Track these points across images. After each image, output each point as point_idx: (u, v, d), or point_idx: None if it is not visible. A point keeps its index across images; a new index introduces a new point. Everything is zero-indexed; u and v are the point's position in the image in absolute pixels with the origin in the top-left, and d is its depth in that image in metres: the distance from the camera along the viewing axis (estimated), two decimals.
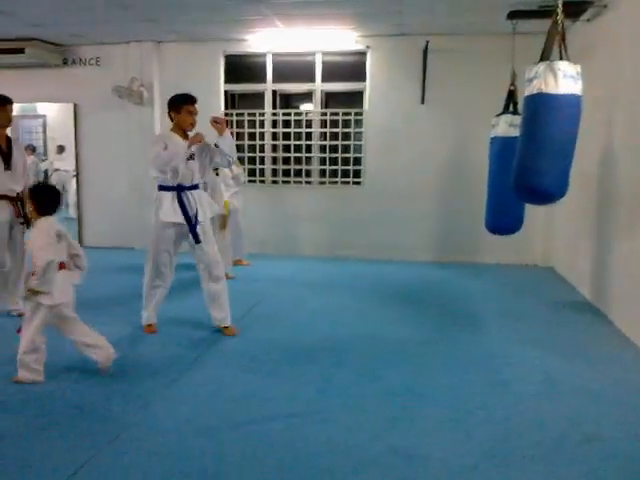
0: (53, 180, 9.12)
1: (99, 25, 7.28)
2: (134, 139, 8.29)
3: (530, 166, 4.15)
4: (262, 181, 8.37)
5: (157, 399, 3.43)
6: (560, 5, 3.93)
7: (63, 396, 3.44)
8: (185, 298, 5.65)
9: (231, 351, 4.29)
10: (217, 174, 6.60)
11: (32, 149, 9.18)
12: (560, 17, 3.96)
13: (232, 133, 8.02)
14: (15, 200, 4.94)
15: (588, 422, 3.21)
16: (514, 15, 5.70)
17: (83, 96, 8.50)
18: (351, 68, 8.12)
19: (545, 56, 4.02)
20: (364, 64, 7.96)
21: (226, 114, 8.32)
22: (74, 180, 8.93)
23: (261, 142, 8.38)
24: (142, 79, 8.11)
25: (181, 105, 4.41)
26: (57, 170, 9.40)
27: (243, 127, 8.35)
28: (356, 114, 8.09)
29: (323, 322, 5.06)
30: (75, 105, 8.59)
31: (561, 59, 3.99)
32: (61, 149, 9.32)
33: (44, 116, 9.26)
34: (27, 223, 4.88)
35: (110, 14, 6.66)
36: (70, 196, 9.16)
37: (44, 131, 9.35)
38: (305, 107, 8.48)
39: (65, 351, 4.04)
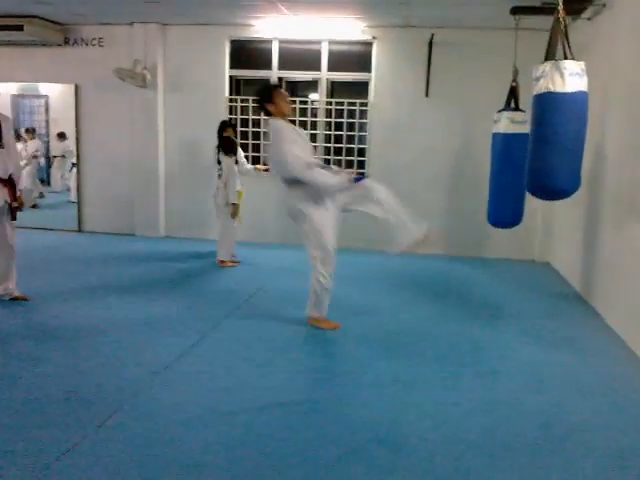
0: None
1: (102, 5, 7.20)
2: (137, 123, 8.28)
3: (543, 164, 4.20)
4: (266, 170, 8.34)
5: (147, 387, 3.41)
6: (561, 3, 3.92)
7: (53, 382, 3.43)
8: (180, 288, 5.68)
9: (227, 340, 4.29)
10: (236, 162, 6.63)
11: (32, 131, 9.09)
12: (562, 15, 3.94)
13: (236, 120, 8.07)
14: (7, 183, 4.74)
15: (572, 414, 3.26)
16: (517, 10, 5.68)
17: (85, 77, 8.40)
18: (357, 58, 8.08)
19: (550, 54, 4.03)
20: (370, 55, 7.93)
21: (230, 100, 8.31)
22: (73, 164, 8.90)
23: (265, 130, 8.35)
24: (146, 62, 8.04)
25: (272, 94, 4.40)
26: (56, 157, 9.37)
27: (247, 114, 8.31)
28: (361, 105, 8.06)
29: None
30: (76, 86, 8.47)
31: (565, 57, 3.98)
32: (62, 136, 9.23)
33: (46, 96, 9.12)
34: (18, 208, 4.79)
35: None
36: (71, 180, 9.12)
37: (46, 112, 9.22)
38: (311, 96, 8.45)
39: (56, 336, 4.09)
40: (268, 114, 4.43)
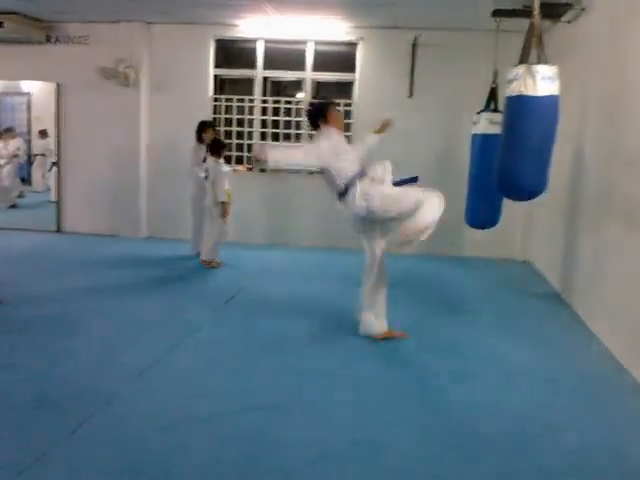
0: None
1: (85, 2, 7.14)
2: (120, 122, 8.21)
3: (512, 165, 4.28)
4: (249, 169, 8.31)
5: (122, 393, 3.36)
6: (537, 7, 3.95)
7: (24, 389, 3.36)
8: (159, 291, 5.65)
9: (204, 343, 4.25)
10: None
11: (11, 130, 8.96)
12: (537, 19, 3.97)
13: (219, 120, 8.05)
14: None
15: (547, 413, 3.29)
16: (498, 13, 5.71)
17: (67, 75, 8.29)
18: (342, 58, 8.10)
19: (524, 58, 4.07)
20: (355, 55, 7.94)
21: (215, 99, 8.29)
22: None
23: (250, 129, 8.34)
24: (130, 60, 7.98)
25: (327, 113, 4.37)
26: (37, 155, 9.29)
27: (232, 113, 8.30)
28: (346, 105, 8.06)
29: (300, 312, 5.03)
30: (58, 85, 8.38)
31: (539, 61, 4.02)
32: (43, 134, 9.14)
33: (29, 94, 9.01)
34: None
35: None
36: (51, 179, 9.02)
37: (28, 110, 9.10)
38: (296, 96, 8.45)
39: (30, 340, 4.04)
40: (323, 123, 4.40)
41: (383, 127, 4.71)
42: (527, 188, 4.33)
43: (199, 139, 6.98)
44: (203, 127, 7.00)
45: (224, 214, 6.51)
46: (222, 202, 6.46)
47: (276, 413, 3.17)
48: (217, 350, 4.13)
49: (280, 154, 4.19)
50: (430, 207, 3.87)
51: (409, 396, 3.46)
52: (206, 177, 6.60)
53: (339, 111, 4.50)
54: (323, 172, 4.30)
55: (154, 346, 4.11)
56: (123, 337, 4.31)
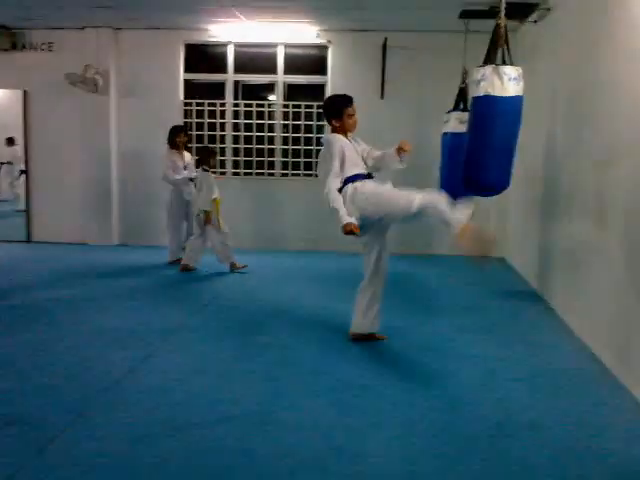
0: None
1: (51, 9, 7.06)
2: (89, 128, 8.13)
3: (477, 162, 4.38)
4: (223, 173, 8.27)
5: (97, 404, 3.27)
6: (502, 9, 4.00)
7: None
8: (131, 299, 5.59)
9: (179, 351, 4.17)
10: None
11: None
12: (502, 20, 4.02)
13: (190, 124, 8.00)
14: None
15: (526, 411, 3.27)
16: (466, 14, 5.76)
17: (34, 83, 8.19)
18: (313, 61, 8.15)
19: (490, 58, 4.13)
20: (326, 58, 7.97)
21: (185, 104, 8.23)
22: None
23: (222, 133, 8.30)
24: (98, 66, 7.88)
25: (341, 109, 4.15)
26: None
27: (203, 117, 8.25)
28: (318, 107, 8.06)
29: (277, 317, 5.00)
30: (25, 92, 8.26)
31: (504, 61, 4.08)
32: (10, 142, 8.97)
33: None
34: None
35: None
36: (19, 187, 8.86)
37: None
38: (269, 98, 8.44)
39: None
40: (329, 123, 4.26)
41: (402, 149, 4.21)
42: (491, 185, 4.44)
43: (172, 144, 6.94)
44: (176, 132, 6.97)
45: (207, 221, 6.46)
46: (206, 211, 6.42)
47: (253, 421, 3.11)
48: (192, 359, 4.04)
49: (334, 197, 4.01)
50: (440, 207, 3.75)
51: (387, 398, 3.43)
52: (196, 184, 6.61)
53: (352, 112, 4.18)
54: None
55: (128, 356, 4.02)
56: (96, 348, 4.20)
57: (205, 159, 6.57)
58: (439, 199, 3.76)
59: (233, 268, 6.62)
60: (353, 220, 3.87)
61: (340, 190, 4.04)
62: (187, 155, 7.09)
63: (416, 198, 3.76)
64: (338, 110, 4.15)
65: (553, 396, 3.49)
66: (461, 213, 3.74)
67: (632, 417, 3.25)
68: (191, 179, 6.81)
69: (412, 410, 3.27)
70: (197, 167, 6.69)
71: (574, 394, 3.53)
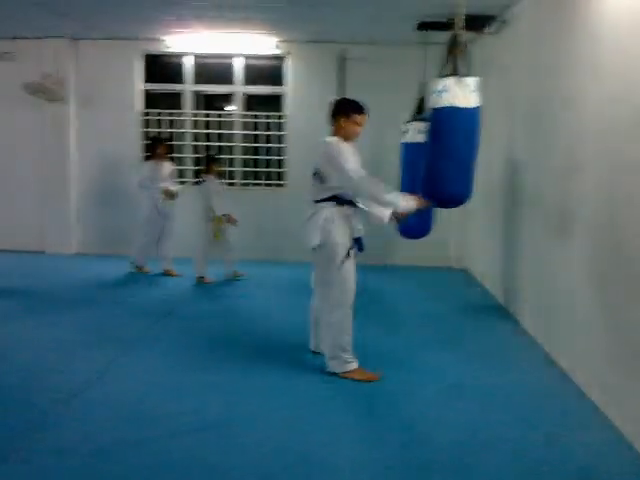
0: None
1: (10, 19, 7.03)
2: (47, 137, 8.09)
3: (441, 174, 4.22)
4: (182, 182, 8.27)
5: (54, 417, 3.21)
6: (458, 20, 4.06)
7: None
8: (89, 310, 5.50)
9: (137, 364, 4.10)
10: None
11: None
12: (459, 31, 4.07)
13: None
14: None
15: (492, 426, 3.22)
16: (423, 26, 5.86)
17: None
18: (272, 72, 8.24)
19: (452, 70, 4.11)
20: (284, 69, 8.07)
21: (145, 113, 8.23)
22: None
23: (181, 142, 8.32)
24: (57, 76, 7.85)
25: (355, 113, 3.98)
26: None
27: (162, 127, 8.26)
28: (278, 117, 8.15)
29: (239, 327, 4.98)
30: None
31: (458, 72, 4.10)
32: None
33: None
34: None
35: (22, 9, 6.46)
36: None
37: None
38: (227, 108, 8.49)
39: None
40: (334, 121, 3.99)
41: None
42: (454, 196, 4.30)
43: (154, 155, 6.95)
44: (157, 143, 7.01)
45: (230, 220, 6.60)
46: (218, 216, 6.51)
47: (214, 435, 3.05)
48: (151, 370, 3.97)
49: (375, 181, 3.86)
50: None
51: (351, 412, 3.39)
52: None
53: (363, 121, 4.06)
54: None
55: (85, 368, 3.94)
56: (53, 359, 4.13)
57: (210, 167, 6.67)
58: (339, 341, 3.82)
59: (201, 280, 6.67)
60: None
61: (336, 198, 3.88)
62: (167, 165, 7.07)
63: (338, 310, 3.81)
64: (355, 108, 3.99)
65: (520, 411, 3.43)
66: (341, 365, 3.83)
67: (602, 433, 3.17)
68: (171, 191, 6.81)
69: (378, 424, 3.24)
70: (199, 175, 6.78)
71: (539, 410, 3.46)
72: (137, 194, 7.16)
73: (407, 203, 3.84)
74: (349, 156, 3.83)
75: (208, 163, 6.76)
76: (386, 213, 3.83)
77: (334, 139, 3.94)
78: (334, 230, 3.82)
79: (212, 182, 6.63)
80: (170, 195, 6.82)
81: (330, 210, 3.85)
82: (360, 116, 4.02)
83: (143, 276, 6.95)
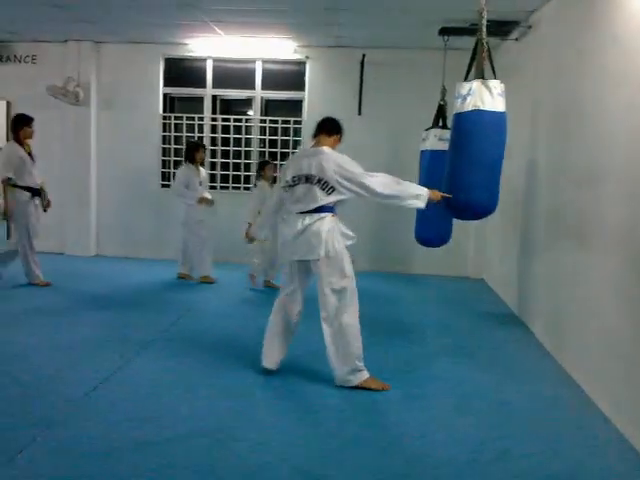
0: None
1: (34, 23, 7.14)
2: (69, 139, 8.17)
3: (463, 182, 4.07)
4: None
5: (63, 418, 3.21)
6: (483, 25, 3.97)
7: None
8: (105, 311, 5.52)
9: (150, 365, 4.10)
10: None
11: None
12: (483, 36, 3.98)
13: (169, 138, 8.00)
14: None
15: (502, 438, 3.17)
16: (445, 31, 5.83)
17: (17, 94, 8.21)
18: (291, 77, 8.25)
19: (476, 74, 4.01)
20: (303, 74, 8.07)
21: (164, 117, 8.27)
22: None
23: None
24: (79, 79, 7.96)
25: (341, 135, 4.20)
26: None
27: (181, 131, 8.29)
28: (295, 122, 8.16)
29: (244, 335, 4.85)
30: (8, 103, 8.29)
31: (484, 77, 4.01)
32: None
33: None
34: None
35: (45, 12, 6.53)
36: None
37: None
38: (249, 113, 8.51)
39: None
40: (332, 137, 4.11)
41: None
42: (479, 206, 4.13)
43: (190, 159, 6.81)
44: (195, 147, 6.87)
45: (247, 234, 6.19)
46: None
47: (221, 438, 3.04)
48: (163, 372, 3.97)
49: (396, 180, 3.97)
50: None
51: (357, 421, 3.34)
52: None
53: (339, 139, 4.21)
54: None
55: (97, 368, 3.94)
56: (68, 359, 4.13)
57: (263, 172, 6.59)
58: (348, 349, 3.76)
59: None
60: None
61: (332, 207, 3.87)
62: (203, 171, 6.99)
63: (354, 314, 3.81)
64: (342, 130, 4.19)
65: (530, 423, 3.38)
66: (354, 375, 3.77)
67: (617, 449, 3.13)
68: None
69: (385, 434, 3.18)
70: (257, 178, 6.75)
71: (551, 422, 3.41)
72: (169, 199, 7.14)
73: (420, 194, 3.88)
74: (357, 167, 3.86)
75: (262, 168, 6.65)
76: (419, 204, 3.85)
77: (330, 150, 4.00)
78: (338, 239, 3.81)
79: (264, 187, 6.45)
80: (208, 203, 6.78)
81: (330, 220, 3.83)
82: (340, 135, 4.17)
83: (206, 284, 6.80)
